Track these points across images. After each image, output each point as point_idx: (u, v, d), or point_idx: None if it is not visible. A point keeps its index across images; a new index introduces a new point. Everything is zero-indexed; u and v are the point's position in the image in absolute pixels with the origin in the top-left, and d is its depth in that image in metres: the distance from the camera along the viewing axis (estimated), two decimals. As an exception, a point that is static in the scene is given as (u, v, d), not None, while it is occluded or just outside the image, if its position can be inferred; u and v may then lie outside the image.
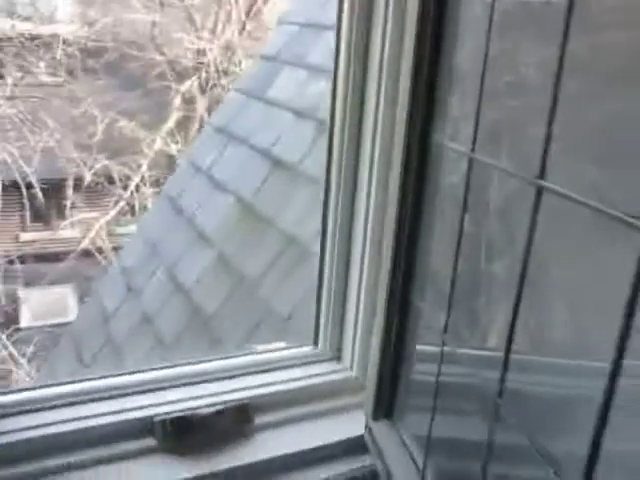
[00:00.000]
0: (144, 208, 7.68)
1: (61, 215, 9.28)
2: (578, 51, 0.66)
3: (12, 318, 8.98)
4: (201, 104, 8.55)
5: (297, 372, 1.26)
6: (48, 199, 8.75)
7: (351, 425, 1.17)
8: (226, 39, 8.58)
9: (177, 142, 8.43)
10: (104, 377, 1.16)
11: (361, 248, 1.21)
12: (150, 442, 1.08)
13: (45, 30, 8.42)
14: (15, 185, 8.12)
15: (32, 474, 0.99)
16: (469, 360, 0.93)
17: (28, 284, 8.81)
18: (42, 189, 8.17)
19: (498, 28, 0.79)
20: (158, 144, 8.35)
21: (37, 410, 1.06)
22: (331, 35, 1.14)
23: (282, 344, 1.40)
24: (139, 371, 1.19)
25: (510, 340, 0.80)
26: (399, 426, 1.10)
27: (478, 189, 0.85)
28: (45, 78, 8.69)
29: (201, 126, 7.27)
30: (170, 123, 8.48)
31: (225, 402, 1.15)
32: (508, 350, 0.80)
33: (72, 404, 1.09)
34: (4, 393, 1.09)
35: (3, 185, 7.99)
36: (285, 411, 1.19)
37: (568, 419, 0.73)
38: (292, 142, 2.78)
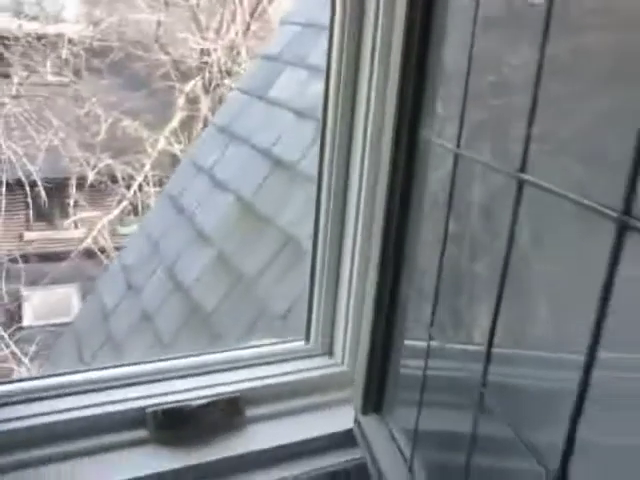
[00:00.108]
0: (147, 208, 7.71)
1: (65, 214, 9.33)
2: (557, 52, 0.67)
3: (15, 317, 9.03)
4: (205, 104, 8.58)
5: (288, 366, 1.28)
6: (51, 198, 8.79)
7: (341, 419, 1.19)
8: (230, 39, 8.61)
9: (181, 142, 8.46)
10: (97, 369, 1.18)
11: (351, 245, 1.22)
12: (142, 433, 1.10)
13: (51, 30, 8.47)
14: (19, 184, 8.16)
15: (27, 462, 1.01)
16: (455, 354, 0.95)
17: (31, 283, 8.85)
18: (46, 188, 8.21)
19: (482, 30, 0.80)
20: (161, 144, 8.39)
21: (33, 400, 1.08)
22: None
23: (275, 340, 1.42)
24: (132, 364, 1.20)
25: (493, 333, 0.82)
26: (388, 420, 1.12)
27: (463, 184, 0.87)
28: (50, 77, 8.73)
29: (205, 126, 7.29)
30: (174, 123, 8.51)
31: (217, 395, 1.16)
32: (490, 343, 0.82)
33: (66, 395, 1.11)
34: (3, 383, 1.11)
35: (7, 184, 8.03)
36: (276, 404, 1.21)
37: (548, 410, 0.75)
38: (292, 142, 2.80)
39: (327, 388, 1.26)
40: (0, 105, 7.88)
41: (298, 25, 3.37)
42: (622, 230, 0.55)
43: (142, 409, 1.11)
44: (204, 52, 8.80)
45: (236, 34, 8.59)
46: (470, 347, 0.93)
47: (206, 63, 8.70)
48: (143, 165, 8.32)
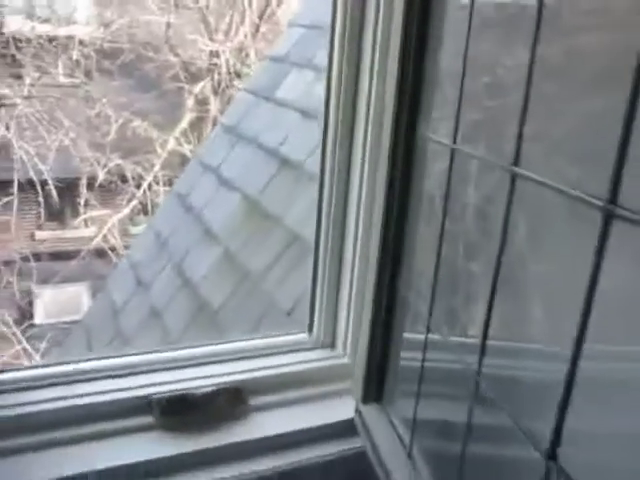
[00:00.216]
0: (157, 207, 7.77)
1: (75, 214, 9.42)
2: (547, 53, 0.70)
3: (26, 314, 9.13)
4: (214, 105, 8.64)
5: (291, 358, 1.31)
6: (62, 198, 8.88)
7: (342, 409, 1.22)
8: (239, 41, 8.67)
9: (190, 142, 8.53)
10: (105, 357, 1.22)
11: (353, 241, 1.25)
12: (147, 420, 1.14)
13: (63, 31, 8.56)
14: (31, 183, 8.25)
15: (38, 445, 1.05)
16: (451, 346, 0.98)
17: (42, 281, 8.94)
18: (57, 188, 8.30)
19: (477, 31, 0.83)
20: (171, 144, 8.46)
21: (45, 386, 1.12)
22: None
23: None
24: (139, 353, 1.24)
25: (487, 325, 0.84)
26: (388, 409, 1.15)
27: (460, 179, 0.90)
28: (62, 79, 8.83)
29: (214, 127, 7.35)
30: (183, 124, 8.58)
31: (221, 383, 1.20)
32: (485, 335, 0.85)
33: (75, 382, 1.15)
34: (15, 370, 1.15)
35: (19, 183, 8.12)
36: (279, 394, 1.24)
37: (539, 397, 0.77)
38: (299, 141, 2.83)
39: (329, 379, 1.29)
40: (12, 106, 7.98)
41: (305, 27, 3.40)
42: (608, 218, 0.57)
43: (148, 396, 1.15)
44: (213, 54, 8.86)
45: (245, 36, 8.64)
46: (466, 340, 0.96)
47: (215, 65, 8.76)
48: (153, 165, 8.39)
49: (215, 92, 8.73)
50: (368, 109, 1.13)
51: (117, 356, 1.23)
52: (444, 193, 0.92)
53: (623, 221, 0.56)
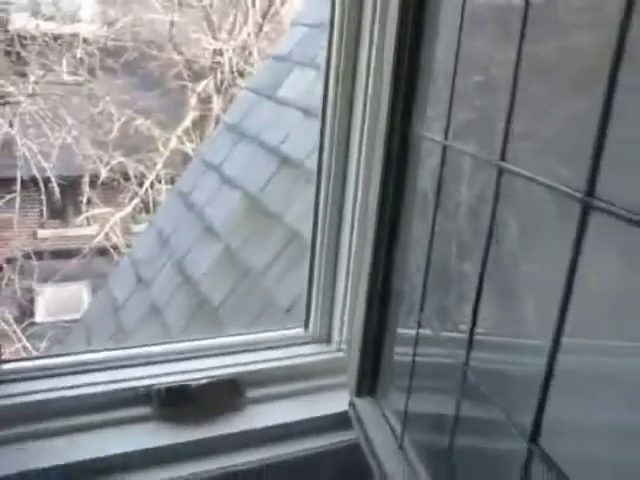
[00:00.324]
0: (159, 205, 7.80)
1: (78, 212, 9.45)
2: (533, 51, 0.72)
3: (27, 312, 9.15)
4: (217, 104, 8.67)
5: (288, 352, 1.33)
6: (65, 196, 8.91)
7: (337, 402, 1.24)
8: (242, 40, 8.70)
9: (192, 141, 8.56)
10: (106, 350, 1.24)
11: (348, 238, 1.28)
12: (146, 410, 1.16)
13: (67, 29, 8.60)
14: (34, 181, 8.29)
15: (42, 433, 1.08)
16: (442, 341, 1.00)
17: (43, 280, 8.96)
18: (59, 185, 8.33)
19: (467, 32, 0.86)
20: (173, 143, 8.49)
21: (47, 376, 1.15)
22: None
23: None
24: (139, 345, 1.26)
25: (475, 319, 0.87)
26: (380, 402, 1.17)
27: (450, 174, 0.92)
28: (66, 76, 8.86)
29: (216, 125, 7.38)
30: (186, 122, 8.61)
31: (218, 376, 1.22)
32: (472, 329, 0.87)
33: (76, 373, 1.18)
34: (19, 360, 1.18)
35: (22, 181, 8.16)
36: (276, 387, 1.26)
37: (522, 386, 0.80)
38: (300, 140, 2.85)
39: (324, 373, 1.31)
40: (16, 103, 8.01)
41: (308, 26, 3.43)
42: (586, 209, 0.60)
43: (146, 388, 1.17)
44: (216, 52, 8.89)
45: (248, 35, 8.67)
46: (455, 334, 0.99)
47: (218, 63, 8.79)
48: (155, 163, 8.43)
49: (218, 91, 8.76)
50: (365, 107, 1.15)
51: (117, 348, 1.25)
52: (436, 188, 0.94)
53: (601, 212, 0.58)
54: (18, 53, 8.22)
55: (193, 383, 1.19)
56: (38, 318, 9.17)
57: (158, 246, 3.34)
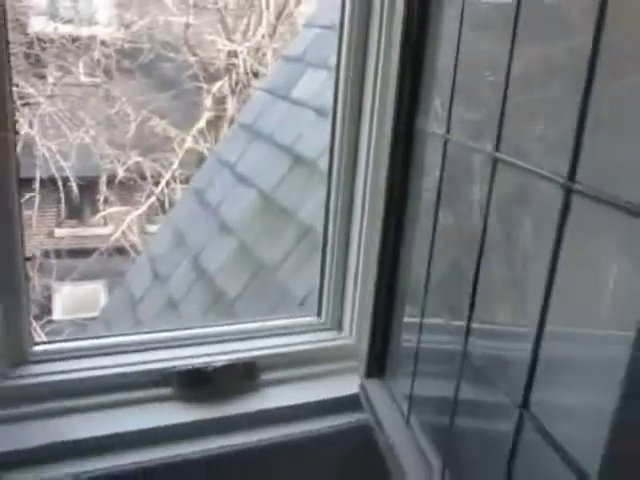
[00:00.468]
0: (174, 205, 7.89)
1: (94, 212, 9.58)
2: (525, 51, 0.79)
3: (45, 310, 9.29)
4: (231, 104, 8.77)
5: (301, 338, 1.40)
6: (82, 196, 9.04)
7: (348, 385, 1.31)
8: (257, 41, 8.79)
9: (207, 141, 8.66)
10: (130, 334, 1.32)
11: (358, 231, 1.35)
12: (167, 391, 1.24)
13: (84, 32, 8.74)
14: (52, 181, 8.43)
15: (70, 409, 1.17)
16: (443, 327, 1.06)
17: (60, 278, 9.09)
18: (77, 185, 8.47)
19: (466, 36, 0.92)
20: (189, 143, 8.60)
21: (74, 358, 1.23)
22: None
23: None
24: (160, 330, 1.34)
25: (472, 309, 0.93)
26: (389, 384, 1.24)
27: (452, 169, 0.98)
28: (83, 78, 9.01)
29: (231, 125, 7.47)
30: (201, 123, 8.71)
31: (235, 359, 1.29)
32: (470, 317, 0.93)
33: (103, 355, 1.26)
34: (48, 342, 1.26)
35: (40, 180, 8.30)
36: (289, 371, 1.33)
37: (513, 366, 0.85)
38: (313, 139, 2.92)
39: (335, 358, 1.38)
40: (36, 104, 8.17)
41: (321, 27, 3.49)
42: (568, 193, 0.66)
43: (167, 370, 1.25)
44: (231, 54, 8.99)
45: (262, 37, 8.76)
46: (455, 322, 1.05)
47: (233, 64, 8.89)
48: (171, 163, 8.54)
49: (232, 91, 8.86)
50: (373, 105, 1.22)
51: (140, 333, 1.33)
52: (438, 181, 1.00)
53: (582, 196, 0.64)
54: (37, 55, 8.37)
55: (211, 366, 1.26)
56: (55, 316, 9.31)
57: (174, 242, 3.42)
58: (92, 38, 8.68)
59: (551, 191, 0.69)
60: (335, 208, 1.37)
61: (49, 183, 8.44)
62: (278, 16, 8.79)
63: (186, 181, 7.93)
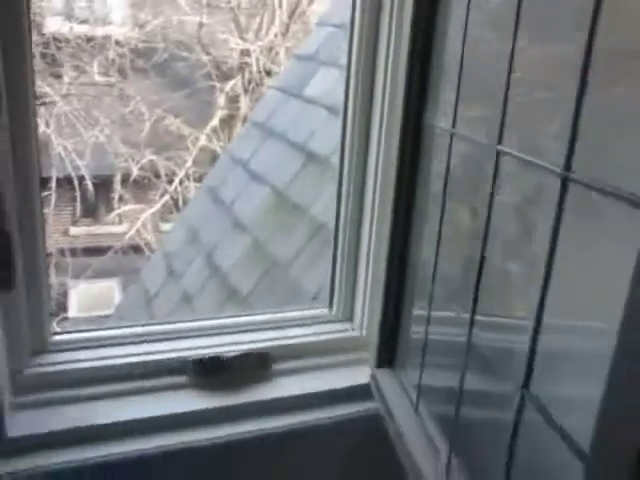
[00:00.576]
0: (188, 203, 7.95)
1: (109, 210, 9.69)
2: (525, 47, 0.81)
3: (61, 307, 9.41)
4: (244, 103, 8.83)
5: (313, 329, 1.44)
6: (97, 195, 9.15)
7: (358, 375, 1.34)
8: (270, 40, 8.84)
9: (220, 139, 8.73)
10: (147, 325, 1.36)
11: (369, 226, 1.38)
12: (182, 379, 1.28)
13: (99, 32, 8.84)
14: (67, 179, 8.54)
15: (88, 396, 1.21)
16: (450, 319, 1.09)
17: (75, 276, 9.20)
18: (92, 184, 8.57)
19: (473, 32, 0.95)
20: (202, 141, 8.67)
21: (93, 347, 1.28)
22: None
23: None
24: (177, 321, 1.38)
25: (475, 302, 0.96)
26: (399, 373, 1.27)
27: (457, 159, 1.01)
28: (98, 77, 9.11)
29: (244, 124, 7.52)
30: (214, 121, 8.77)
31: (249, 350, 1.33)
32: (474, 310, 0.96)
33: (120, 344, 1.30)
34: (67, 332, 1.31)
35: (56, 179, 8.41)
36: (301, 361, 1.37)
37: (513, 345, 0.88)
38: (325, 137, 2.95)
39: (347, 349, 1.41)
40: (52, 104, 8.28)
41: (333, 26, 3.52)
42: (565, 182, 0.69)
43: (183, 359, 1.28)
44: (244, 53, 9.04)
45: (275, 35, 8.81)
46: (460, 314, 1.08)
47: (246, 63, 8.95)
48: (185, 161, 8.62)
49: (245, 90, 8.92)
50: (383, 103, 1.25)
51: (157, 323, 1.37)
52: (444, 171, 1.03)
53: (577, 184, 0.67)
54: (53, 55, 8.48)
55: (225, 355, 1.30)
56: (71, 313, 9.42)
57: (188, 240, 3.47)
58: (107, 38, 8.77)
59: (551, 182, 0.72)
60: (346, 202, 1.40)
61: (64, 182, 8.54)
62: (291, 15, 8.83)
63: (200, 179, 7.99)
